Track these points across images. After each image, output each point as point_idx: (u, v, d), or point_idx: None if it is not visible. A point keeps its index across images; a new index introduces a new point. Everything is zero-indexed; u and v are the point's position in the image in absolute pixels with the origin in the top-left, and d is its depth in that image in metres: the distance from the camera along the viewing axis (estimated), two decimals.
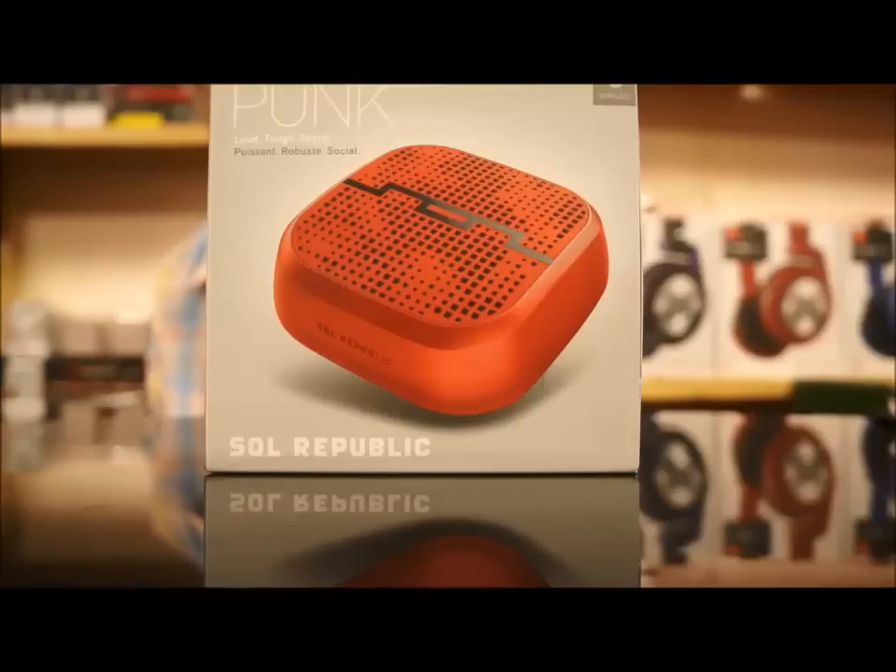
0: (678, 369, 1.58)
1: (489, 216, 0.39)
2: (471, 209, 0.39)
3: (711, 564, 0.30)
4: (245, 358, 0.39)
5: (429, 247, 0.38)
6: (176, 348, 0.95)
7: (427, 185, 0.40)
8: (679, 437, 0.63)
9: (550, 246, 0.38)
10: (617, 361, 0.39)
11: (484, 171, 0.40)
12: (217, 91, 0.40)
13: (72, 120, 1.63)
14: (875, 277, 1.65)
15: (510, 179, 0.40)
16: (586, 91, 0.40)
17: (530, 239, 0.39)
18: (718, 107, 1.79)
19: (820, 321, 1.63)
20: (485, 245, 0.38)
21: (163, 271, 1.00)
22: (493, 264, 0.38)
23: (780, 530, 0.36)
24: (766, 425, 0.73)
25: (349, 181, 0.40)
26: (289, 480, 0.38)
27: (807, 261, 1.64)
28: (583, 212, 0.39)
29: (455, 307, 0.37)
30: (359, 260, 0.38)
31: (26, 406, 1.64)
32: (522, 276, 0.38)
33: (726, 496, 0.43)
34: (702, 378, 1.59)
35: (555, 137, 0.40)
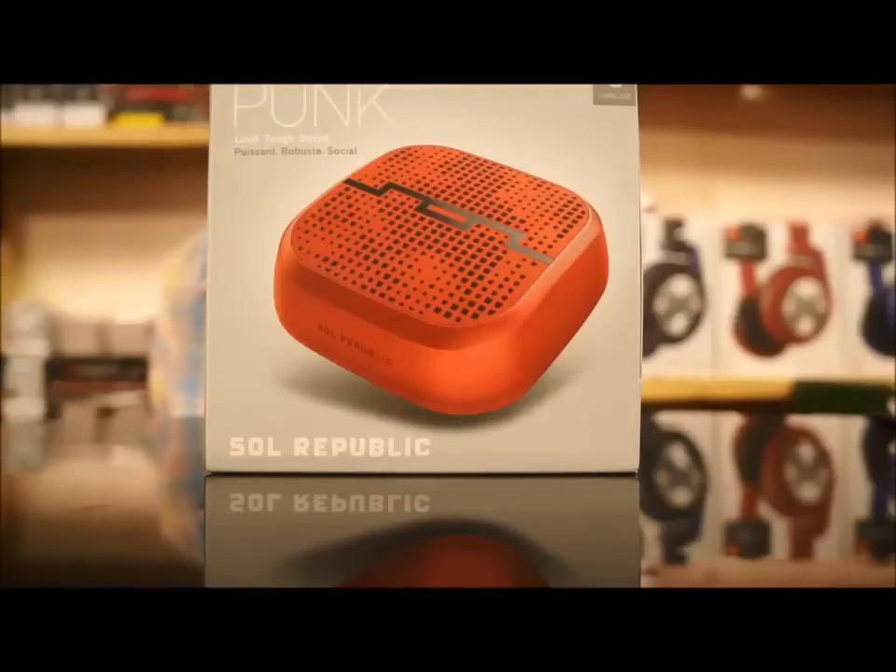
0: (678, 369, 1.58)
1: (489, 216, 0.39)
2: (471, 209, 0.39)
3: (711, 564, 0.30)
4: (245, 358, 0.39)
5: (429, 247, 0.38)
6: (185, 348, 0.94)
7: (427, 185, 0.40)
8: (679, 437, 0.63)
9: (550, 246, 0.38)
10: (617, 361, 0.39)
11: (484, 171, 0.40)
12: (217, 91, 0.40)
13: (72, 120, 1.63)
14: (875, 277, 1.65)
15: (510, 179, 0.40)
16: (586, 90, 0.40)
17: (530, 239, 0.39)
18: (718, 107, 1.79)
19: (820, 321, 1.63)
20: (485, 245, 0.38)
21: (172, 267, 0.99)
22: (493, 264, 0.38)
23: (780, 530, 0.36)
24: (766, 425, 0.73)
25: (349, 181, 0.40)
26: (289, 480, 0.38)
27: (807, 261, 1.64)
28: (583, 212, 0.39)
29: (455, 307, 0.37)
30: (359, 260, 0.38)
31: (26, 406, 1.64)
32: (522, 276, 0.38)
33: (726, 496, 0.43)
34: (702, 378, 1.59)
35: (555, 137, 0.40)
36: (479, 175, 0.40)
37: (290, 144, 0.40)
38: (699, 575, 0.30)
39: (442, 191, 0.40)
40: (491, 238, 0.39)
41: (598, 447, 0.39)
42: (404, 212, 0.39)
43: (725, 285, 1.63)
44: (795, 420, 0.78)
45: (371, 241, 0.39)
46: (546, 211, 0.39)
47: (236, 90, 0.40)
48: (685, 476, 0.47)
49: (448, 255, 0.38)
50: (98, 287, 1.81)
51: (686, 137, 1.78)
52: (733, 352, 1.62)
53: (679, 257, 1.60)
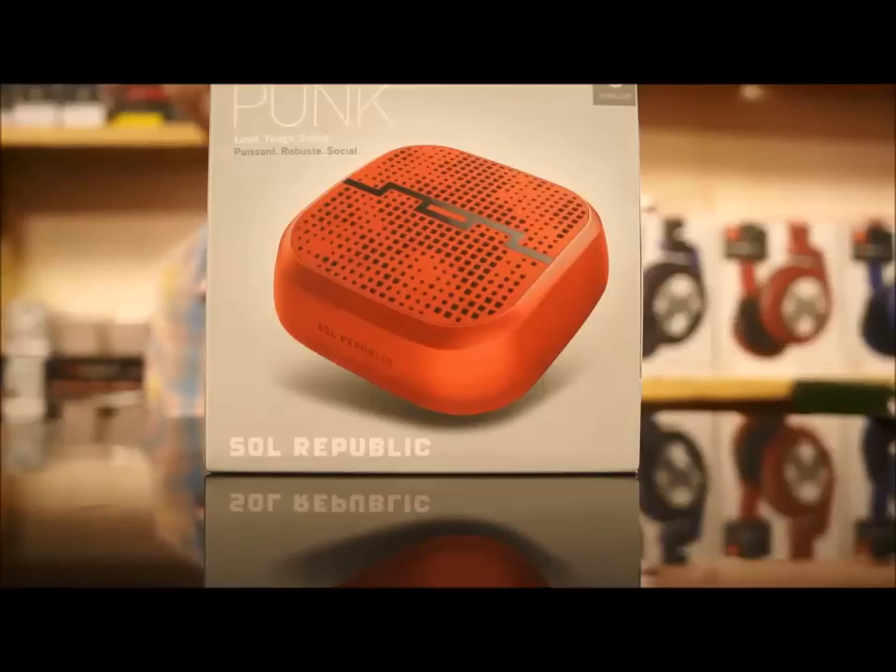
0: (678, 369, 1.58)
1: (489, 216, 0.39)
2: (471, 209, 0.39)
3: (711, 564, 0.30)
4: (245, 358, 0.39)
5: (429, 247, 0.38)
6: (181, 350, 0.94)
7: (427, 185, 0.40)
8: (679, 437, 0.63)
9: (550, 246, 0.39)
10: (617, 361, 0.39)
11: (484, 171, 0.40)
12: (217, 90, 0.40)
13: (72, 120, 1.63)
14: (875, 277, 1.65)
15: (510, 179, 0.40)
16: (586, 90, 0.40)
17: (530, 239, 0.39)
18: (718, 107, 1.79)
19: (820, 321, 1.63)
20: (485, 244, 0.38)
21: (168, 269, 0.99)
22: (493, 264, 0.38)
23: (780, 530, 0.36)
24: (766, 425, 0.73)
25: (349, 181, 0.40)
26: (289, 480, 0.38)
27: (807, 261, 1.64)
28: (583, 212, 0.39)
29: (455, 307, 0.37)
30: (359, 260, 0.38)
31: (26, 406, 1.64)
32: (522, 276, 0.38)
33: (726, 496, 0.43)
34: (702, 378, 1.59)
35: (555, 137, 0.40)
36: (479, 174, 0.40)
37: (290, 144, 0.40)
38: (699, 575, 0.30)
39: (442, 191, 0.40)
40: (491, 238, 0.39)
41: (598, 447, 0.39)
42: (404, 212, 0.39)
43: (725, 285, 1.63)
44: (795, 420, 0.78)
45: (371, 241, 0.39)
46: (546, 211, 0.39)
47: (236, 90, 0.40)
48: (685, 476, 0.47)
49: (448, 255, 0.38)
50: (98, 287, 1.81)
51: (686, 137, 1.78)
52: (733, 352, 1.62)
53: (679, 257, 1.60)
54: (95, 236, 1.81)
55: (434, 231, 0.39)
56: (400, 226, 0.39)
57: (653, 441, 0.56)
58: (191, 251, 0.97)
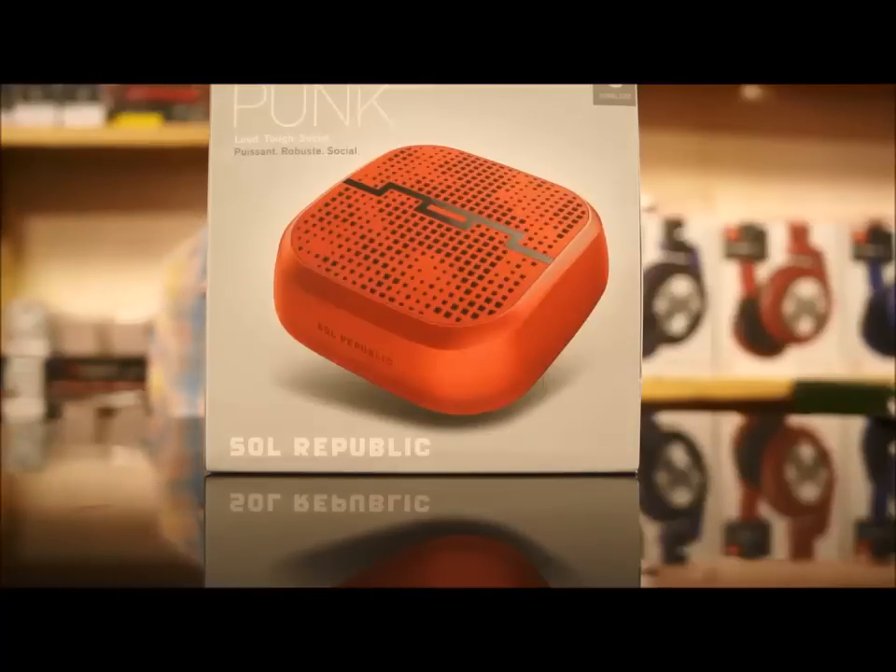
0: (678, 369, 1.58)
1: (489, 216, 0.39)
2: (471, 209, 0.39)
3: (711, 564, 0.30)
4: (245, 358, 0.39)
5: (429, 247, 0.38)
6: (185, 348, 0.94)
7: (427, 185, 0.40)
8: (679, 437, 0.63)
9: (550, 246, 0.39)
10: (617, 361, 0.39)
11: (484, 171, 0.40)
12: (217, 90, 0.40)
13: (72, 120, 1.63)
14: (875, 277, 1.65)
15: (510, 179, 0.40)
16: (586, 91, 0.40)
17: (530, 239, 0.39)
18: (718, 107, 1.79)
19: (820, 321, 1.63)
20: (485, 245, 0.38)
21: (172, 266, 0.99)
22: (493, 264, 0.38)
23: (780, 530, 0.36)
24: (766, 425, 0.73)
25: (349, 181, 0.40)
26: (289, 480, 0.38)
27: (807, 261, 1.64)
28: (583, 212, 0.39)
29: (455, 307, 0.37)
30: (359, 260, 0.38)
31: (26, 406, 1.64)
32: (522, 276, 0.38)
33: (726, 496, 0.43)
34: (702, 378, 1.59)
35: (555, 137, 0.40)
36: (479, 174, 0.40)
37: (290, 144, 0.40)
38: (699, 575, 0.30)
39: (442, 191, 0.40)
40: (491, 238, 0.39)
41: (598, 447, 0.39)
42: (404, 212, 0.39)
43: (725, 285, 1.62)
44: (795, 420, 0.78)
45: (371, 241, 0.39)
46: (546, 211, 0.39)
47: (236, 90, 0.40)
48: (685, 476, 0.47)
49: (448, 255, 0.38)
50: (98, 287, 1.81)
51: (685, 137, 1.78)
52: (733, 352, 1.62)
53: (679, 257, 1.60)
54: (95, 236, 1.81)
55: (434, 231, 0.39)
56: (400, 226, 0.39)
57: (653, 440, 0.56)
58: (196, 249, 0.97)
